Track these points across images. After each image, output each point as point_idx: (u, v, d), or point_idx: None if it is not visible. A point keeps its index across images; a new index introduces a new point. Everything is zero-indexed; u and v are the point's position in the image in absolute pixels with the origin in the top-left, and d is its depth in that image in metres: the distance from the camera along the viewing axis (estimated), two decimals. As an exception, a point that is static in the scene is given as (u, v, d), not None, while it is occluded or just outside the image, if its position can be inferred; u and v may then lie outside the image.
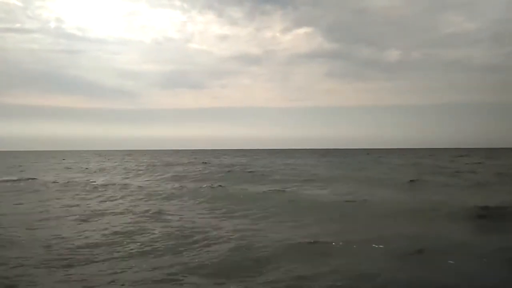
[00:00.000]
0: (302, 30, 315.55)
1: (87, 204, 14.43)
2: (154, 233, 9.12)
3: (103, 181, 23.69)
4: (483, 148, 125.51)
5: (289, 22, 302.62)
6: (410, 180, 21.04)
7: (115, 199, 15.82)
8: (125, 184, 21.47)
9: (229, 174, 28.13)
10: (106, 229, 9.67)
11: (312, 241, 8.07)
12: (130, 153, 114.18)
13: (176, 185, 20.61)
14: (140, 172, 31.89)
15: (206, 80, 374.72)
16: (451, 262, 6.63)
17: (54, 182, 23.39)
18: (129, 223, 10.49)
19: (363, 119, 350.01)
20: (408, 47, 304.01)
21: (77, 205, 14.15)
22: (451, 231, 9.25)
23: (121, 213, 12.26)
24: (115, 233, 9.18)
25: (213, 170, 31.73)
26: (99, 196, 16.98)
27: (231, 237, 8.62)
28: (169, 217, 11.47)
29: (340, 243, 7.87)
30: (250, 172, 29.60)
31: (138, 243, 8.21)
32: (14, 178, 25.74)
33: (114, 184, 21.54)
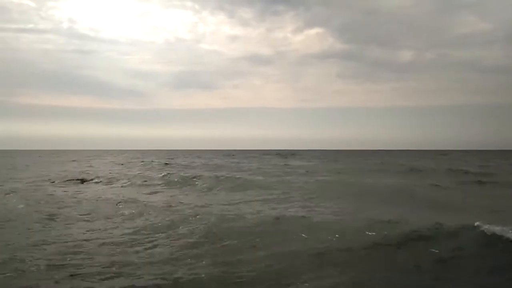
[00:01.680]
0: (313, 31, 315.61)
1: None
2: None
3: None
4: (496, 150, 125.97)
5: (300, 22, 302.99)
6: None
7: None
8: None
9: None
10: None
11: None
12: (144, 152, 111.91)
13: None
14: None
15: (217, 81, 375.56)
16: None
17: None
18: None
19: (374, 120, 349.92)
20: (421, 48, 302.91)
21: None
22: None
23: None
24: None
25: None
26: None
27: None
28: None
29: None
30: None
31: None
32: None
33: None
